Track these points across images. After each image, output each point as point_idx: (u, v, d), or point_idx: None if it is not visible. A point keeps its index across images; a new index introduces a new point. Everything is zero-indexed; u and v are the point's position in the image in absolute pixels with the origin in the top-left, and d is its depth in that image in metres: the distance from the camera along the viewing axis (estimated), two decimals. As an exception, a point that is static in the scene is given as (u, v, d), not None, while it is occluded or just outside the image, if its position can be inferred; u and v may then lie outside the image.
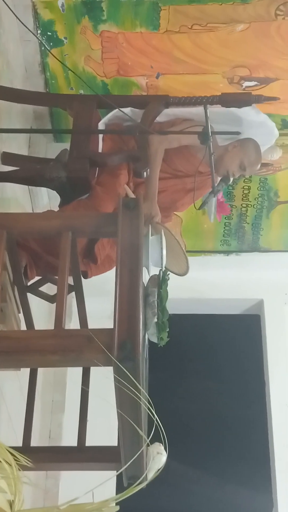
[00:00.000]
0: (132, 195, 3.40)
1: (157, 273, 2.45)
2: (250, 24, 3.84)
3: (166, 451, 2.49)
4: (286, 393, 5.04)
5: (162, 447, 2.49)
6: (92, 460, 2.78)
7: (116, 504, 2.25)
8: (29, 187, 4.14)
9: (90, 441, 2.87)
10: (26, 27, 3.25)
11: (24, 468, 2.32)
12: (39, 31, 3.88)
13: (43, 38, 3.91)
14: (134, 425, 2.19)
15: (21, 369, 3.24)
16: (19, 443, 2.87)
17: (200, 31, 3.88)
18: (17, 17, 3.07)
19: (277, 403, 5.03)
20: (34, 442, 2.94)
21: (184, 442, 5.00)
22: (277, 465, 4.87)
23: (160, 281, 2.39)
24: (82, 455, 2.80)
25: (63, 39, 3.93)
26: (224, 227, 4.97)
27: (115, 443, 2.64)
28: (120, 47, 3.96)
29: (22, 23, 3.16)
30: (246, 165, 3.62)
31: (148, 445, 2.39)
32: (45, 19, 3.83)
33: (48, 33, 3.90)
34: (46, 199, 4.43)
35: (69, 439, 3.09)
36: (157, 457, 2.49)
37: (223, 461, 5.22)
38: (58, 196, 3.48)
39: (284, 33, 3.86)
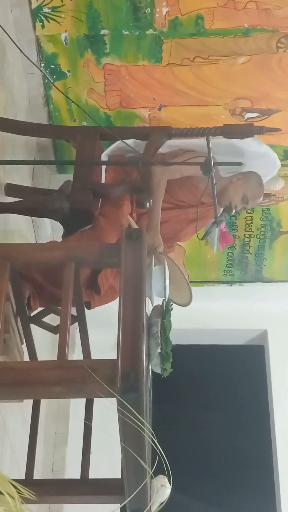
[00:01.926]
0: (135, 226, 3.41)
1: (160, 304, 2.44)
2: (252, 56, 3.88)
3: (170, 483, 2.46)
4: (291, 425, 5.01)
5: (166, 480, 2.46)
6: (96, 493, 2.75)
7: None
8: (33, 218, 4.15)
9: (93, 474, 2.85)
10: (30, 60, 3.29)
11: (27, 501, 2.30)
12: (42, 65, 3.92)
13: (47, 71, 3.95)
14: (138, 457, 2.17)
15: (24, 401, 3.22)
16: (22, 475, 2.84)
17: (202, 64, 3.92)
18: (21, 50, 3.10)
19: (282, 435, 4.99)
20: (37, 475, 2.91)
21: (189, 474, 4.95)
22: (282, 497, 4.82)
23: (163, 311, 2.38)
24: (85, 488, 2.77)
25: (67, 72, 3.97)
26: (227, 257, 4.97)
27: (119, 476, 2.62)
28: (122, 79, 4.00)
29: (26, 57, 3.20)
30: (249, 198, 3.62)
31: (152, 477, 2.37)
32: (48, 52, 3.88)
33: (52, 66, 3.94)
34: (49, 230, 4.44)
35: (72, 472, 3.07)
36: (161, 490, 2.46)
37: (228, 493, 5.17)
38: (61, 227, 3.49)
39: (285, 65, 3.90)
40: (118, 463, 2.46)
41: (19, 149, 3.95)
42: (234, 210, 3.68)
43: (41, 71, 3.93)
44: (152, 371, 2.44)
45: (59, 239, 3.60)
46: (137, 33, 3.79)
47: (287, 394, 5.09)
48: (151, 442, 2.13)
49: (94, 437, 2.97)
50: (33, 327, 3.02)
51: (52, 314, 3.12)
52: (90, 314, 3.14)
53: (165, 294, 2.59)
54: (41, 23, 3.75)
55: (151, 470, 2.28)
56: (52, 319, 3.18)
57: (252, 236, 4.81)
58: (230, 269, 5.05)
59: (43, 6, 3.70)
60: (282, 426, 5.01)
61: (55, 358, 2.24)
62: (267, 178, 3.86)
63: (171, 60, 3.91)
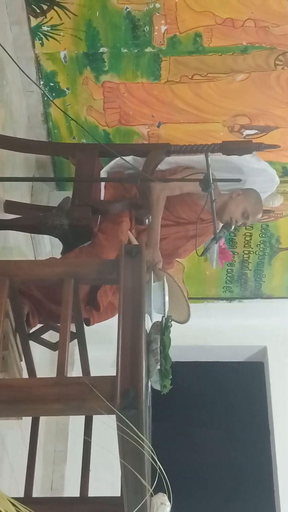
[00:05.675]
0: (135, 242, 3.41)
1: (160, 320, 2.44)
2: (250, 74, 3.90)
3: (170, 501, 2.45)
4: (291, 441, 4.99)
5: (166, 497, 2.45)
6: (95, 511, 2.73)
7: None
8: (32, 235, 4.15)
9: (92, 492, 2.83)
10: (29, 78, 3.30)
11: (26, 519, 2.29)
12: (42, 82, 3.94)
13: (46, 89, 3.97)
14: (138, 475, 2.15)
15: (23, 418, 3.21)
16: (21, 494, 2.83)
17: (201, 81, 3.94)
18: (20, 68, 3.11)
19: (282, 451, 4.96)
20: (36, 493, 2.89)
21: (188, 492, 4.91)
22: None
23: (162, 328, 2.38)
24: (84, 506, 2.76)
25: (66, 90, 3.99)
26: (227, 274, 4.97)
27: (118, 494, 2.60)
28: (121, 97, 4.01)
29: (26, 74, 3.21)
30: (249, 213, 3.63)
31: (151, 495, 2.36)
32: (47, 70, 3.89)
33: (51, 84, 3.96)
34: (49, 247, 4.44)
35: (72, 490, 3.05)
36: (161, 508, 2.45)
37: (228, 510, 5.14)
38: (61, 244, 3.49)
39: (283, 82, 3.92)
40: (117, 481, 2.45)
41: (18, 166, 3.95)
42: (233, 226, 3.68)
43: (40, 88, 3.95)
44: (152, 388, 2.43)
45: (58, 256, 3.60)
46: (136, 51, 3.81)
47: (287, 410, 5.07)
48: (150, 459, 2.12)
49: (94, 455, 2.96)
50: (32, 344, 3.02)
51: (51, 331, 3.12)
52: (89, 331, 3.13)
53: (164, 310, 2.59)
54: (40, 41, 3.77)
55: (151, 488, 2.27)
56: (51, 336, 3.18)
57: (251, 252, 4.81)
58: (229, 286, 5.05)
59: (42, 24, 3.72)
60: (282, 443, 4.98)
61: (54, 375, 2.23)
62: (266, 194, 3.87)
63: (170, 77, 3.92)
